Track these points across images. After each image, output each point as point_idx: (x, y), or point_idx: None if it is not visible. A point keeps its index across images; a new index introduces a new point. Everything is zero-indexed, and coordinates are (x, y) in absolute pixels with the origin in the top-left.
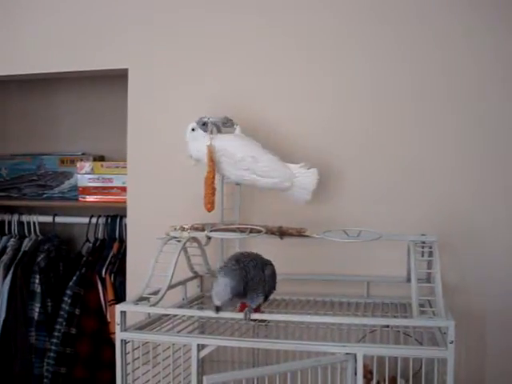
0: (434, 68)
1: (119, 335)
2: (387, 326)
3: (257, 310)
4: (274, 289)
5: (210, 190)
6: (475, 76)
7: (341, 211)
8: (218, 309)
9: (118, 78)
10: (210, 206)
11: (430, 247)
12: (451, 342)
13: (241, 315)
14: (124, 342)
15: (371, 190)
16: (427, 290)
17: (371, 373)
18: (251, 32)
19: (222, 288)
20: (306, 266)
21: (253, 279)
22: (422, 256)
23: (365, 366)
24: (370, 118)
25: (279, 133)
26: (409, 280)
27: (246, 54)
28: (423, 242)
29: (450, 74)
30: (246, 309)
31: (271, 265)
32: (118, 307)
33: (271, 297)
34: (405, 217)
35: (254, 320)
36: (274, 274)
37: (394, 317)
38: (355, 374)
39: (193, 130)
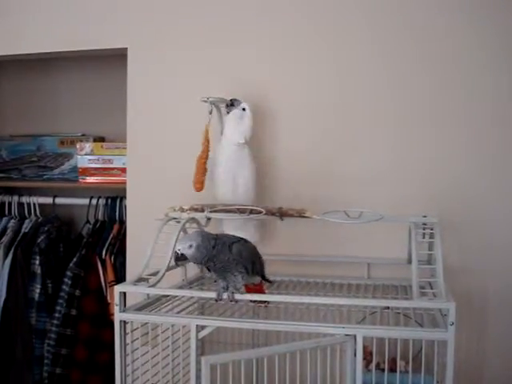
0: (429, 50)
1: (118, 316)
2: (387, 308)
3: (259, 289)
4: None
5: (201, 170)
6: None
7: (342, 193)
8: (177, 257)
9: (117, 58)
10: (199, 185)
11: (431, 229)
12: (451, 324)
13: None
14: (123, 323)
15: (372, 171)
16: (428, 272)
17: (371, 354)
18: (254, 10)
19: (187, 240)
20: (306, 248)
21: (217, 256)
22: (423, 237)
23: (364, 348)
24: (371, 99)
25: (279, 112)
26: (410, 262)
27: (248, 33)
28: (424, 224)
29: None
30: (229, 289)
31: (239, 242)
32: (117, 288)
33: (271, 277)
34: (406, 198)
35: (254, 301)
36: (247, 250)
37: (395, 298)
38: (355, 355)
39: (244, 109)
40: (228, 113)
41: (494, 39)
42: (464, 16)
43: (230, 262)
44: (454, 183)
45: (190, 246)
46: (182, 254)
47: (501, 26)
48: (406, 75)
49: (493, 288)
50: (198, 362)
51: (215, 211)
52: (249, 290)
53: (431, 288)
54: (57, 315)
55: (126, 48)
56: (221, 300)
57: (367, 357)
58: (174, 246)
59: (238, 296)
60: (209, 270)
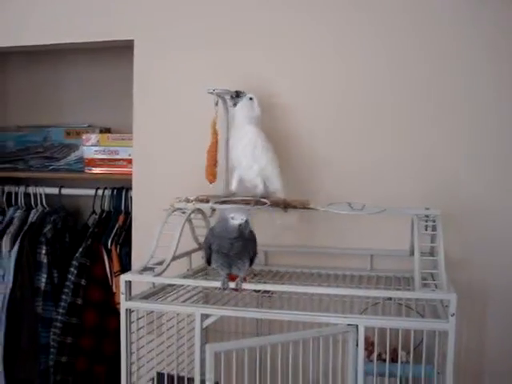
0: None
1: (124, 304)
2: (390, 299)
3: (233, 278)
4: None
5: (213, 162)
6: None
7: (345, 185)
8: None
9: (124, 49)
10: (211, 177)
11: (434, 221)
12: (452, 315)
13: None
14: (129, 311)
15: (375, 166)
16: (430, 264)
17: (373, 345)
18: (262, 6)
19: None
20: (309, 239)
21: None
22: (426, 230)
23: (366, 338)
24: (375, 92)
25: (281, 103)
26: (412, 253)
27: (254, 24)
28: (427, 216)
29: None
30: (238, 279)
31: (251, 231)
32: (123, 277)
33: (274, 268)
34: (409, 191)
35: (258, 291)
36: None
37: (397, 289)
38: (357, 345)
39: (251, 98)
40: (235, 104)
41: (496, 35)
42: (468, 14)
43: (245, 247)
44: (455, 177)
45: (246, 221)
46: (246, 221)
47: (504, 24)
48: (409, 73)
49: (494, 280)
50: (203, 351)
51: (220, 202)
52: (232, 278)
53: (433, 279)
54: (63, 304)
55: (133, 40)
56: (225, 289)
57: (369, 347)
58: (179, 236)
59: (245, 285)
60: (209, 256)
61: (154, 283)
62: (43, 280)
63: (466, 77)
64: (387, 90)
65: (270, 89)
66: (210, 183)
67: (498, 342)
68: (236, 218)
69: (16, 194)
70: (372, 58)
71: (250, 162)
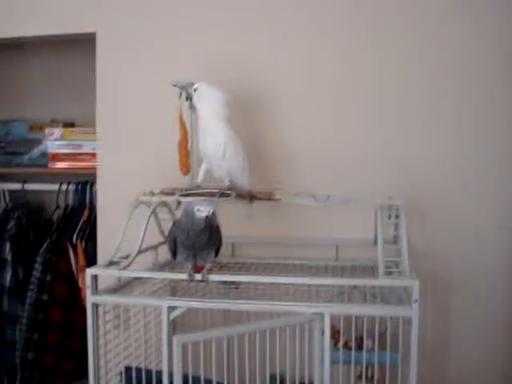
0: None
1: (90, 299)
2: (355, 287)
3: (199, 269)
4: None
5: (185, 154)
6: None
7: (310, 177)
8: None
9: (86, 42)
10: (185, 169)
11: (397, 210)
12: (416, 301)
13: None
14: (95, 306)
15: (341, 156)
16: (394, 253)
17: (339, 333)
18: None
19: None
20: (275, 230)
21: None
22: (390, 219)
23: (333, 327)
24: (338, 84)
25: (250, 97)
26: (376, 243)
27: (222, 14)
28: (390, 206)
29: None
30: (204, 270)
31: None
32: (89, 271)
33: (241, 260)
34: (373, 182)
35: (225, 282)
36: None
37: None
38: (322, 334)
39: (195, 90)
40: (187, 98)
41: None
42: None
43: (210, 239)
44: (418, 167)
45: (213, 213)
46: (213, 213)
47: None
48: (373, 64)
49: (456, 269)
50: (170, 343)
51: (185, 195)
52: (198, 270)
53: (397, 268)
54: (28, 301)
55: (95, 32)
56: (192, 281)
57: (335, 336)
58: (145, 230)
59: (212, 276)
60: (174, 250)
61: (120, 277)
62: (8, 277)
63: (425, 64)
64: (349, 82)
65: (239, 81)
66: (185, 175)
67: (461, 329)
68: (202, 210)
69: None
70: (351, 47)
71: (220, 161)
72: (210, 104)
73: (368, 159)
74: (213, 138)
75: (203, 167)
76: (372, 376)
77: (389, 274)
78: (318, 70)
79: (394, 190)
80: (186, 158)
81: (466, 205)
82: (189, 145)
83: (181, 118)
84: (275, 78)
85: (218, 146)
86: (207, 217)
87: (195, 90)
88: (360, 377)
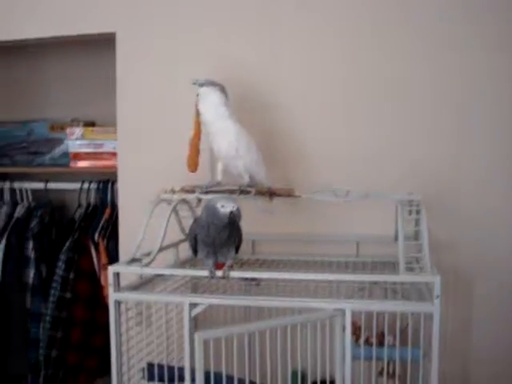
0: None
1: (112, 296)
2: (376, 283)
3: (220, 266)
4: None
5: (195, 152)
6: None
7: (329, 174)
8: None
9: (106, 42)
10: (193, 167)
11: (417, 205)
12: (437, 297)
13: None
14: (117, 303)
15: (358, 151)
16: (415, 249)
17: (360, 329)
18: None
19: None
20: (295, 227)
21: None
22: (410, 215)
23: (353, 323)
24: (357, 81)
25: (269, 96)
26: (397, 239)
27: (241, 13)
28: (410, 201)
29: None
30: (225, 267)
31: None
32: (111, 268)
33: (261, 256)
34: (394, 177)
35: (246, 279)
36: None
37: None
38: (344, 330)
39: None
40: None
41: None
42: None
43: (230, 235)
44: (440, 162)
45: (238, 209)
46: (238, 208)
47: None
48: (388, 61)
49: (479, 263)
50: (192, 340)
51: (206, 192)
52: (219, 267)
53: (418, 264)
54: (51, 299)
55: (115, 32)
56: (213, 277)
57: (356, 332)
58: (166, 227)
59: (232, 273)
60: (195, 247)
61: (141, 275)
62: (31, 275)
63: (431, 63)
64: (368, 78)
65: (256, 79)
66: (192, 172)
67: (484, 324)
68: (226, 206)
69: (1, 189)
70: (355, 45)
71: (235, 160)
72: (211, 106)
73: (383, 156)
74: (224, 138)
75: (219, 167)
76: (393, 372)
77: (410, 269)
78: (327, 69)
79: (413, 184)
80: (196, 155)
81: (489, 197)
82: (200, 143)
83: (196, 115)
84: (288, 78)
85: (230, 146)
86: (231, 212)
87: (197, 95)
88: (381, 373)
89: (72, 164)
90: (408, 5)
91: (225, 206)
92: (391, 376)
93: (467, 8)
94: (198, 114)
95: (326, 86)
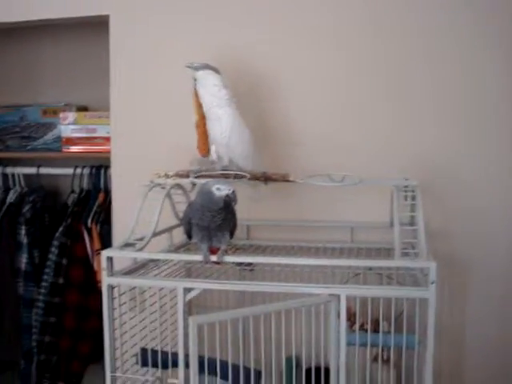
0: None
1: (106, 280)
2: (370, 269)
3: (214, 251)
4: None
5: (203, 135)
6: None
7: (323, 160)
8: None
9: (99, 25)
10: (204, 150)
11: (413, 191)
12: (432, 283)
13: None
14: (111, 287)
15: (356, 138)
16: (411, 234)
17: (355, 315)
18: None
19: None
20: (290, 212)
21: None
22: (406, 200)
23: (348, 309)
24: (352, 68)
25: (266, 82)
26: (392, 224)
27: (238, 3)
28: (406, 187)
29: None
30: (219, 252)
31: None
32: (104, 253)
33: (256, 242)
34: (389, 163)
35: (240, 264)
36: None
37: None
38: (338, 316)
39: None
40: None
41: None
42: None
43: (225, 220)
44: (436, 147)
45: (233, 192)
46: (233, 191)
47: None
48: (400, 52)
49: (474, 250)
50: (186, 325)
51: (200, 176)
52: (213, 252)
53: (413, 250)
54: (44, 284)
55: (108, 15)
56: (207, 262)
57: (351, 318)
58: (160, 212)
59: (227, 258)
60: (189, 231)
61: (135, 259)
62: (24, 261)
63: (448, 56)
64: (364, 67)
65: (251, 63)
66: (204, 156)
67: (479, 311)
68: (222, 189)
69: None
70: (352, 39)
71: (227, 150)
72: (213, 89)
73: (380, 143)
74: (218, 126)
75: (213, 149)
76: (388, 358)
77: (405, 255)
78: (326, 57)
79: (410, 170)
80: (206, 138)
81: (484, 185)
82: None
83: (196, 99)
84: (286, 66)
85: (222, 136)
86: (227, 195)
87: (195, 80)
88: (376, 359)
89: (65, 149)
90: (408, 5)
91: (220, 189)
92: (386, 362)
93: (468, 8)
94: (197, 97)
95: (325, 79)
